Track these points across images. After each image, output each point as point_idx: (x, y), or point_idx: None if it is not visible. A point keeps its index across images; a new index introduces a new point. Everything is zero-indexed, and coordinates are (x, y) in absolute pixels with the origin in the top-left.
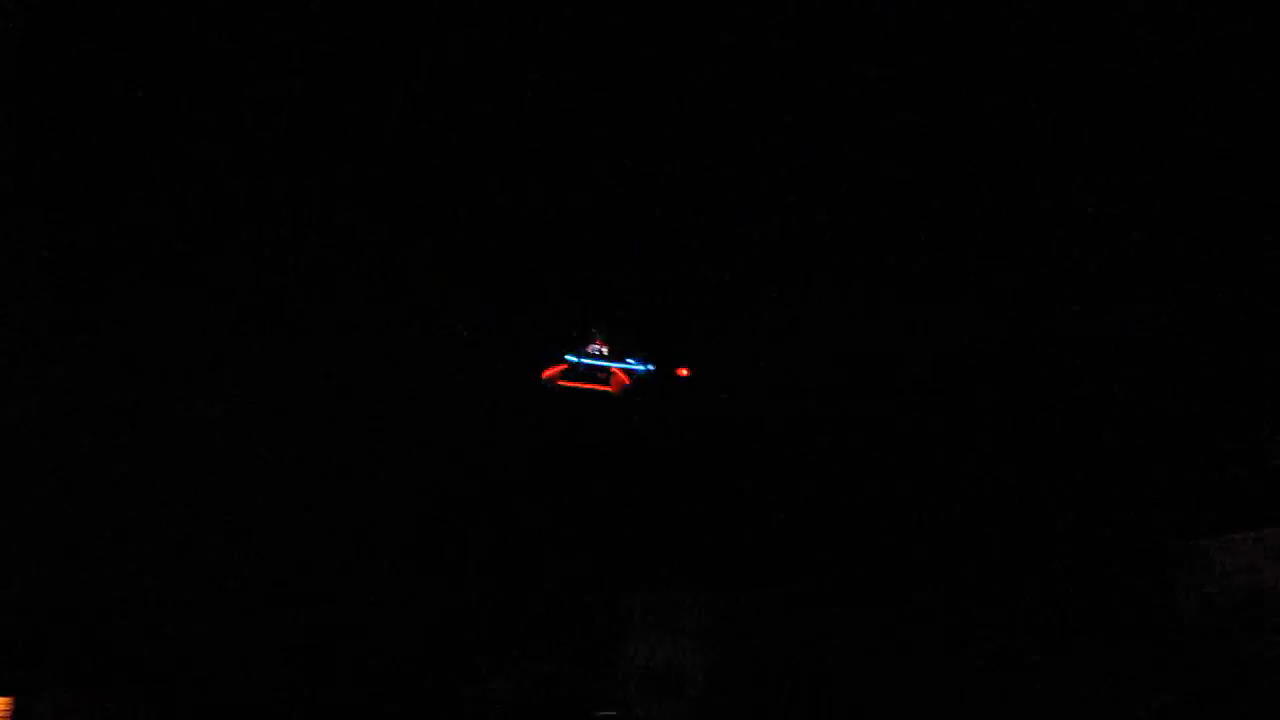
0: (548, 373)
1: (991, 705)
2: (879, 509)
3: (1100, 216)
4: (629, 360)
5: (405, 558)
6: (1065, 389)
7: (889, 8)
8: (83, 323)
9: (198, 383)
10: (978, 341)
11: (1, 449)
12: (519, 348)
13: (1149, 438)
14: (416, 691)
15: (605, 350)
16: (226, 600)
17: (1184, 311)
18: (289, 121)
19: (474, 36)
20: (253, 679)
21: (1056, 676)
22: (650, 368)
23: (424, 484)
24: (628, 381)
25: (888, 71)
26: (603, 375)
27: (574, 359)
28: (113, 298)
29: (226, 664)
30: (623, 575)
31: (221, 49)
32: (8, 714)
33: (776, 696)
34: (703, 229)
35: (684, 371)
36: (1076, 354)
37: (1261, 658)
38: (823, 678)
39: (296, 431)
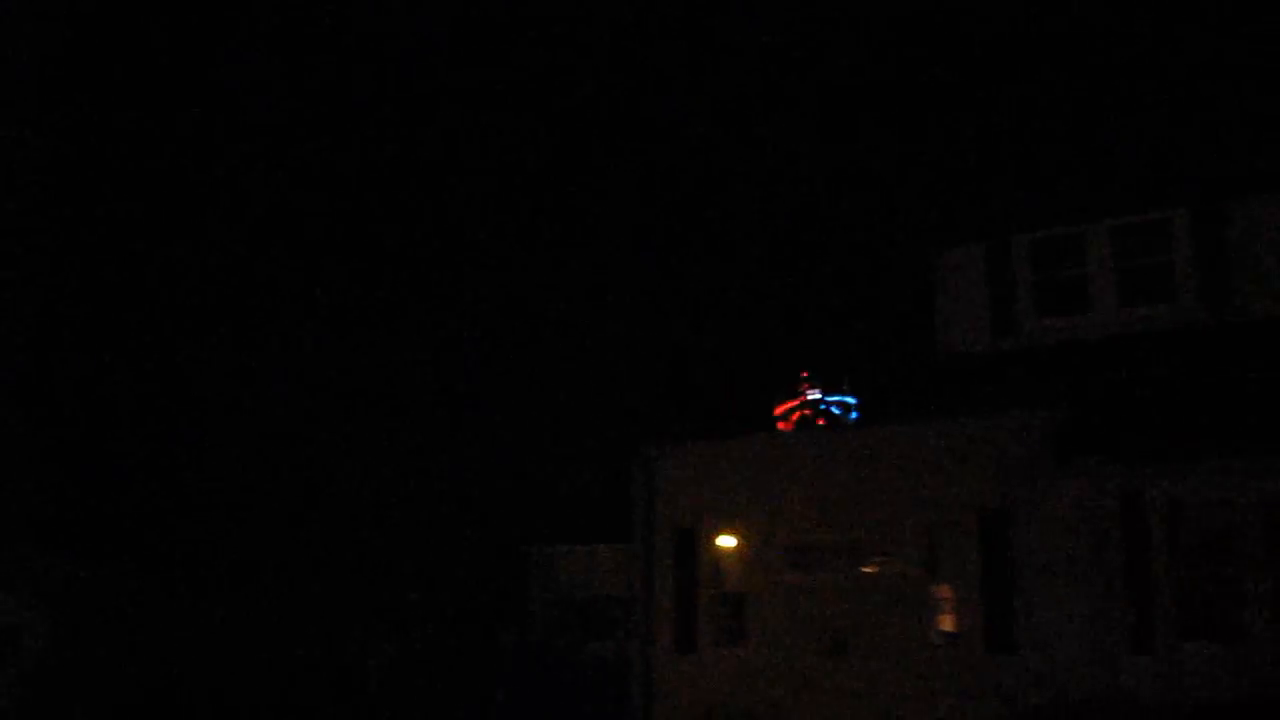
0: (780, 409)
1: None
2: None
3: None
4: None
5: None
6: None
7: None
8: None
9: None
10: None
11: None
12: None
13: (526, 472)
14: None
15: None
16: None
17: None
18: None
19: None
20: None
21: (420, 670)
22: (855, 415)
23: None
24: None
25: None
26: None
27: (817, 396)
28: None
29: None
30: None
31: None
32: None
33: (116, 659)
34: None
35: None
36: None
37: (587, 650)
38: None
39: None
